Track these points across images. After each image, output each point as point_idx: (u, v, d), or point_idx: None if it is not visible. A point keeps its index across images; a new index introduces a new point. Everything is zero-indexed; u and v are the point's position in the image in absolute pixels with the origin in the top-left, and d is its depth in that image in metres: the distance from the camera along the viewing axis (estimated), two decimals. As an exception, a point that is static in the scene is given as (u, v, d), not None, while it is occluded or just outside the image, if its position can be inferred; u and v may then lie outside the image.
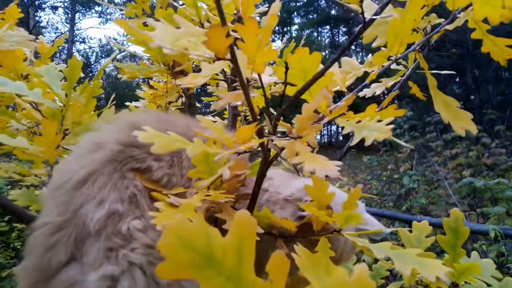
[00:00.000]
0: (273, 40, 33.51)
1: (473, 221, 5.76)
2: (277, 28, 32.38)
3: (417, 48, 0.84)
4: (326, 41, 30.47)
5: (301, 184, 0.78)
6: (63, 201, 0.65)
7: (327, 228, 0.74)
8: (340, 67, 0.94)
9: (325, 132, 31.75)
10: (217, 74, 1.24)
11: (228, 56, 0.46)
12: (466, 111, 0.85)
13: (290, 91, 0.64)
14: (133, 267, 0.61)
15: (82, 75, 1.00)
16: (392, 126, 0.54)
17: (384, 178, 9.57)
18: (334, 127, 31.45)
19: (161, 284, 0.63)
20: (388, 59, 0.86)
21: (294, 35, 29.08)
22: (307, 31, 28.21)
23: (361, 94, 1.18)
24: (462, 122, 0.83)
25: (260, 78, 0.62)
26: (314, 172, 0.47)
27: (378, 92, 1.15)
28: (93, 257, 0.61)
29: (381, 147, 11.23)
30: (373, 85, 1.19)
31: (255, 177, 0.71)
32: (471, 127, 0.83)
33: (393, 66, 1.16)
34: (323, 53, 26.48)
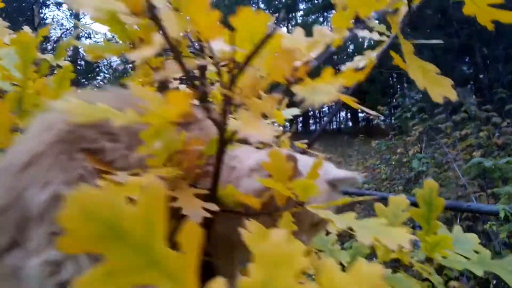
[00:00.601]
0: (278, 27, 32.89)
1: (483, 202, 5.66)
2: (281, 15, 31.75)
3: (390, 10, 0.78)
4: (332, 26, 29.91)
5: (263, 154, 0.75)
6: (7, 184, 0.62)
7: (292, 202, 0.71)
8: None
9: (334, 118, 31.53)
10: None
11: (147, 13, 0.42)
12: (446, 78, 0.80)
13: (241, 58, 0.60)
14: None
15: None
16: (338, 87, 0.50)
17: (393, 162, 9.47)
18: (343, 114, 31.23)
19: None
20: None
21: (299, 21, 28.68)
22: (313, 17, 27.81)
23: (343, 68, 1.13)
24: (441, 89, 0.78)
25: (209, 44, 0.58)
26: (247, 138, 0.43)
27: (361, 65, 1.10)
28: (36, 242, 0.58)
29: (390, 131, 11.09)
30: (356, 58, 1.14)
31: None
32: (451, 93, 0.78)
33: (377, 37, 1.10)
34: (330, 39, 26.00)
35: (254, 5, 30.47)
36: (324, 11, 28.79)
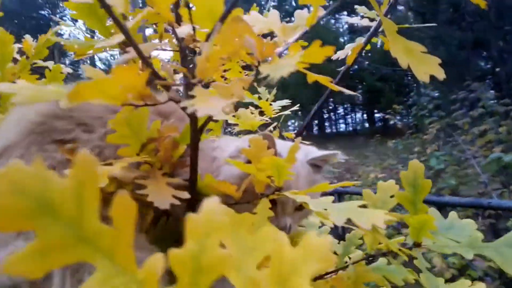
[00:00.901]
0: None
1: (506, 198, 5.49)
2: (292, 18, 31.82)
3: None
4: (345, 27, 29.84)
5: (244, 141, 0.74)
6: None
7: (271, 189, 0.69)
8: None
9: (349, 120, 31.22)
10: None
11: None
12: (433, 56, 0.76)
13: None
14: None
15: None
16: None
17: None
18: (358, 115, 30.91)
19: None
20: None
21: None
22: (324, 20, 27.70)
23: (334, 56, 1.10)
24: (427, 67, 0.74)
25: (173, 28, 0.57)
26: (196, 111, 0.41)
27: (350, 52, 1.07)
28: (3, 234, 0.57)
29: (406, 130, 10.90)
30: (348, 45, 1.11)
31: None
32: (437, 72, 0.74)
33: (366, 23, 1.07)
34: (342, 39, 25.98)
35: (264, 11, 30.55)
36: (335, 13, 28.68)
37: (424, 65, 0.74)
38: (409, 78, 21.79)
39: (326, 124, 29.78)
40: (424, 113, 9.86)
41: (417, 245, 0.65)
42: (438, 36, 11.25)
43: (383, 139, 13.54)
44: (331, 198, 0.64)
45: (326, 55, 0.57)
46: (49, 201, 0.33)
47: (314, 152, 0.82)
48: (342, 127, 30.59)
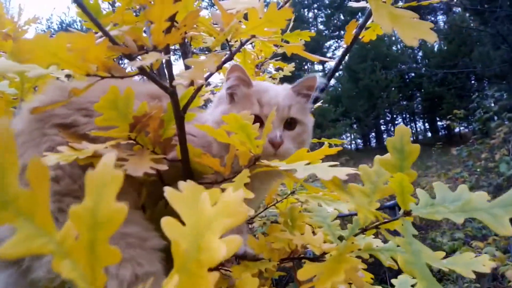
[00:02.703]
0: (339, 46, 32.75)
1: None
2: (342, 32, 31.51)
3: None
4: (397, 36, 28.89)
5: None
6: None
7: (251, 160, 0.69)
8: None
9: (409, 130, 29.60)
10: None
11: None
12: (425, 22, 0.73)
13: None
14: None
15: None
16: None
17: (478, 169, 8.62)
18: (419, 124, 29.38)
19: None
20: None
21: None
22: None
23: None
24: (416, 32, 0.71)
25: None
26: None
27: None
28: None
29: (471, 135, 10.17)
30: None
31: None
32: (428, 35, 0.71)
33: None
34: (395, 48, 25.13)
35: (313, 27, 30.69)
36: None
37: (413, 30, 0.71)
38: (473, 82, 20.42)
39: (385, 136, 28.65)
40: (489, 115, 9.15)
41: (407, 213, 0.61)
42: (499, 34, 10.47)
43: (446, 147, 12.72)
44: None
45: (286, 17, 0.58)
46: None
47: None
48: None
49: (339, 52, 32.62)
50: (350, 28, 0.90)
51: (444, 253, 0.63)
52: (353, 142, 27.30)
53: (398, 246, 0.77)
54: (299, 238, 0.79)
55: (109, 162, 0.35)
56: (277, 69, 1.90)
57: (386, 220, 0.66)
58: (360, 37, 1.18)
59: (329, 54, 31.51)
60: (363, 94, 20.92)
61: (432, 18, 28.55)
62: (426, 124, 28.35)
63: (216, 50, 0.97)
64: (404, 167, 0.62)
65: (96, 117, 0.77)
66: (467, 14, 17.68)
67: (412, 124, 28.16)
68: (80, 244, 0.33)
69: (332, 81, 32.13)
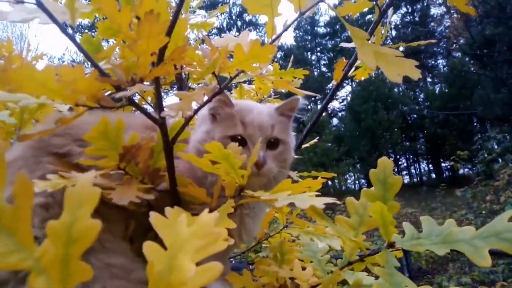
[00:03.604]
0: (342, 86, 33.49)
1: None
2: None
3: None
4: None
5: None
6: None
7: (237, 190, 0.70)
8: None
9: (413, 171, 29.62)
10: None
11: None
12: (409, 59, 0.76)
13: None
14: None
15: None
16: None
17: (483, 212, 8.49)
18: (423, 165, 29.25)
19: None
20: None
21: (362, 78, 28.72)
22: (376, 72, 27.69)
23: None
24: (400, 69, 0.73)
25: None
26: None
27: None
28: None
29: (475, 177, 10.09)
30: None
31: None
32: (412, 72, 0.73)
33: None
34: (397, 90, 25.58)
35: (316, 70, 31.48)
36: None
37: (396, 67, 0.74)
38: (475, 124, 20.55)
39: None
40: (492, 157, 9.14)
41: (390, 245, 0.61)
42: (498, 77, 10.70)
43: (451, 189, 12.58)
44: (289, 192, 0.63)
45: (269, 53, 0.61)
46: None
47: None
48: (406, 178, 28.99)
49: (341, 93, 33.34)
50: (339, 66, 0.93)
51: (430, 288, 0.62)
52: (357, 181, 27.13)
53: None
54: (287, 272, 0.78)
55: (87, 180, 0.36)
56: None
57: (370, 252, 0.65)
58: (352, 75, 1.22)
59: (332, 95, 32.00)
60: (365, 134, 21.07)
61: (433, 62, 29.31)
62: (430, 166, 28.23)
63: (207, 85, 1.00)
64: (387, 198, 0.63)
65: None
66: (467, 59, 18.15)
67: (416, 165, 28.08)
68: (54, 260, 0.34)
69: (335, 121, 32.62)
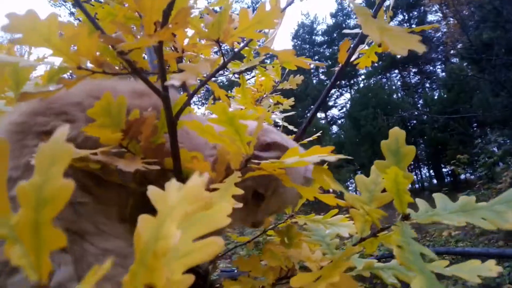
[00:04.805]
0: (341, 94, 33.59)
1: None
2: (343, 82, 32.68)
3: None
4: (398, 84, 29.64)
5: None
6: None
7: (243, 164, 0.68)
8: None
9: (414, 177, 29.47)
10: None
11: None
12: (414, 35, 0.74)
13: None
14: None
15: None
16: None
17: (486, 215, 8.45)
18: (424, 171, 29.14)
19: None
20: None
21: (361, 85, 28.86)
22: (374, 79, 27.85)
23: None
24: (405, 43, 0.72)
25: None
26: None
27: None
28: None
29: (476, 181, 10.07)
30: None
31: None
32: (417, 47, 0.72)
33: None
34: (396, 96, 25.67)
35: (315, 78, 31.63)
36: (385, 72, 28.79)
37: (402, 40, 0.72)
38: (475, 129, 20.53)
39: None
40: (493, 160, 9.12)
41: (405, 217, 0.59)
42: (497, 81, 10.73)
43: (453, 193, 12.51)
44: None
45: (274, 18, 0.59)
46: None
47: (272, 135, 0.87)
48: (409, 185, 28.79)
49: (340, 100, 33.43)
50: (344, 47, 0.92)
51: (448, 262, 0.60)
52: (357, 191, 26.94)
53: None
54: (296, 253, 0.76)
55: (60, 137, 0.34)
56: (276, 104, 1.93)
57: (383, 226, 0.63)
58: (355, 63, 1.21)
59: (331, 103, 32.23)
60: (365, 141, 21.04)
61: (431, 68, 29.44)
62: (431, 171, 28.15)
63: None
64: (401, 169, 0.61)
65: (79, 121, 0.75)
66: (465, 63, 18.23)
67: (417, 171, 27.98)
68: (25, 225, 0.31)
69: (335, 128, 32.62)
